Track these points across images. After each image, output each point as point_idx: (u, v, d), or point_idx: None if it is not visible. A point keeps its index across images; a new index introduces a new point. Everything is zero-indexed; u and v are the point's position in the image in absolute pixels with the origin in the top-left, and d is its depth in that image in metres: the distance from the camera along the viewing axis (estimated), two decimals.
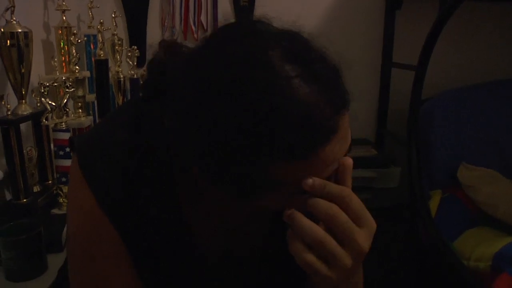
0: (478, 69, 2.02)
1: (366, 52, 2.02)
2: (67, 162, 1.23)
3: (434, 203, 1.62)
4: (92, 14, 1.68)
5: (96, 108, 1.63)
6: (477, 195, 1.53)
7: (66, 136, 1.21)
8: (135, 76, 1.64)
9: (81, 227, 0.62)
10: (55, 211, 1.26)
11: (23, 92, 1.24)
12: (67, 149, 1.22)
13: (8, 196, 1.25)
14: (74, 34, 1.35)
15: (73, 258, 0.64)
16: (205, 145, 0.49)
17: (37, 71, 1.40)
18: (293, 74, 0.47)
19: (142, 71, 1.76)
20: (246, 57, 0.48)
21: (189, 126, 0.51)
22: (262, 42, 0.49)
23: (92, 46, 1.68)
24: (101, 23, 1.50)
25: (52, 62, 1.43)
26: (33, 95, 1.30)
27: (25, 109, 1.22)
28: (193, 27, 1.97)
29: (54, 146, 1.21)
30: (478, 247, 1.35)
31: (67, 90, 1.20)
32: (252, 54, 0.48)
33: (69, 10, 1.50)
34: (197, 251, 0.66)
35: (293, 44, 0.51)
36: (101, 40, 1.47)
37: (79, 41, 1.40)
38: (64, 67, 1.49)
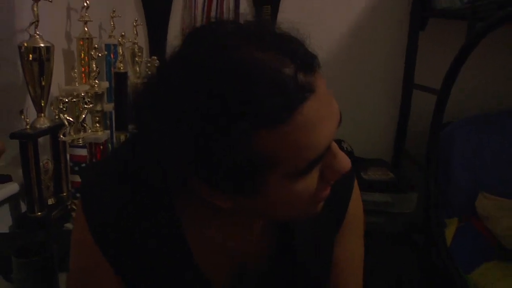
0: (502, 95, 1.97)
1: (387, 71, 1.99)
2: None
3: (450, 232, 1.59)
4: (113, 23, 1.69)
5: (113, 118, 1.64)
6: (495, 227, 1.50)
7: (83, 152, 1.22)
8: None
9: (77, 260, 0.65)
10: (69, 225, 1.26)
11: (43, 105, 1.24)
12: (83, 165, 1.22)
13: (23, 208, 1.26)
14: (95, 48, 1.35)
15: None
16: (184, 140, 0.48)
17: (57, 80, 1.41)
18: (254, 47, 0.48)
19: None
20: (207, 45, 0.49)
21: (165, 128, 0.50)
22: (222, 30, 0.51)
23: (112, 56, 1.69)
24: (122, 36, 1.50)
25: (72, 73, 1.43)
26: (52, 108, 1.30)
27: (44, 123, 1.23)
28: None
29: (71, 161, 1.22)
30: (496, 283, 1.32)
31: (85, 106, 1.19)
32: (214, 40, 0.50)
33: (92, 21, 1.50)
34: (202, 282, 0.65)
35: (258, 29, 0.51)
36: (121, 53, 1.47)
37: (100, 55, 1.39)
38: (84, 78, 1.50)
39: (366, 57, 1.97)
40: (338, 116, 0.53)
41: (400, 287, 1.56)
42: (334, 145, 0.55)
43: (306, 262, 0.68)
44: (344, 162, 0.55)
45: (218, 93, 0.46)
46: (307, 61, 0.49)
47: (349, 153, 1.79)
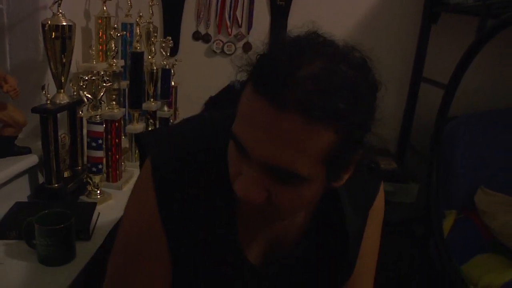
0: (508, 93, 2.00)
1: (397, 63, 2.02)
2: (99, 153, 1.28)
3: (447, 223, 1.64)
4: (130, 3, 1.71)
5: (125, 96, 1.68)
6: (492, 222, 1.55)
7: (100, 128, 1.26)
8: (167, 67, 1.68)
9: (134, 223, 0.69)
10: (83, 198, 1.31)
11: (63, 81, 1.28)
12: (100, 141, 1.27)
13: (41, 180, 1.31)
14: (114, 28, 1.38)
15: (119, 248, 0.69)
16: None
17: (75, 58, 1.45)
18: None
19: (174, 60, 1.79)
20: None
21: None
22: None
23: (128, 35, 1.72)
24: (140, 16, 1.53)
25: (90, 51, 1.47)
26: (71, 84, 1.34)
27: (63, 99, 1.27)
28: (228, 21, 1.99)
29: (88, 137, 1.26)
30: (487, 275, 1.37)
31: (104, 84, 1.24)
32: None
33: (110, 0, 1.53)
34: (241, 258, 0.70)
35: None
36: (139, 32, 1.50)
37: (119, 34, 1.43)
38: (101, 56, 1.53)
39: (376, 48, 1.98)
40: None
41: (398, 275, 1.62)
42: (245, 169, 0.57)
43: (350, 246, 0.72)
44: (237, 188, 0.58)
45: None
46: None
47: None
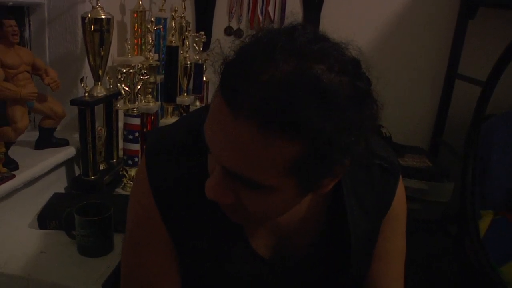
0: None
1: (431, 59, 1.97)
2: (135, 146, 1.29)
3: (484, 224, 1.59)
4: None
5: (159, 90, 1.69)
6: None
7: (136, 121, 1.27)
8: (199, 62, 1.68)
9: (134, 216, 0.69)
10: (119, 190, 1.33)
11: (100, 74, 1.30)
12: (136, 134, 1.27)
13: (77, 172, 1.33)
14: (152, 21, 1.39)
15: (124, 243, 0.71)
16: None
17: (110, 51, 1.46)
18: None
19: (206, 55, 1.79)
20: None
21: None
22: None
23: (161, 30, 1.73)
24: (175, 10, 1.54)
25: (126, 45, 1.48)
26: (107, 77, 1.36)
27: (100, 91, 1.29)
28: (260, 16, 1.97)
29: (125, 130, 1.27)
30: None
31: (141, 77, 1.24)
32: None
33: None
34: (249, 250, 0.69)
35: None
36: (174, 27, 1.51)
37: (156, 28, 1.44)
38: (136, 50, 1.55)
39: (410, 43, 1.95)
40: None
41: (432, 275, 1.59)
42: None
43: (352, 245, 0.70)
44: (205, 187, 0.55)
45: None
46: None
47: (387, 139, 1.80)
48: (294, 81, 0.45)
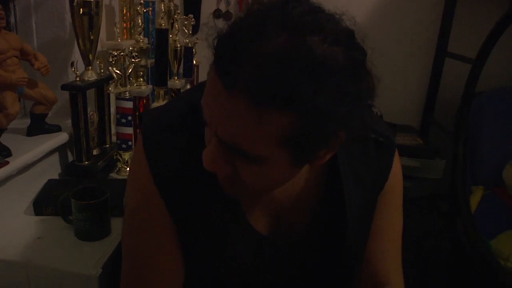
0: None
1: (421, 37, 1.98)
2: (129, 130, 1.28)
3: (475, 199, 1.62)
4: None
5: (149, 74, 1.68)
6: None
7: (129, 104, 1.26)
8: (189, 45, 1.67)
9: (134, 198, 0.69)
10: (113, 175, 1.32)
11: (91, 58, 1.28)
12: (129, 117, 1.27)
13: (70, 158, 1.32)
14: (141, 3, 1.37)
15: (125, 227, 0.71)
16: None
17: (99, 36, 1.44)
18: None
19: (195, 39, 1.78)
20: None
21: None
22: None
23: (150, 13, 1.71)
24: None
25: (115, 29, 1.46)
26: (98, 62, 1.34)
27: (91, 76, 1.27)
28: None
29: (117, 113, 1.27)
30: None
31: (132, 60, 1.23)
32: None
33: None
34: (247, 228, 0.69)
35: None
36: (163, 9, 1.49)
37: (145, 10, 1.42)
38: (125, 34, 1.53)
39: (399, 22, 1.95)
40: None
41: (424, 251, 1.62)
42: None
43: (348, 217, 0.70)
44: (203, 158, 0.56)
45: None
46: None
47: (378, 118, 1.81)
48: (286, 54, 0.45)
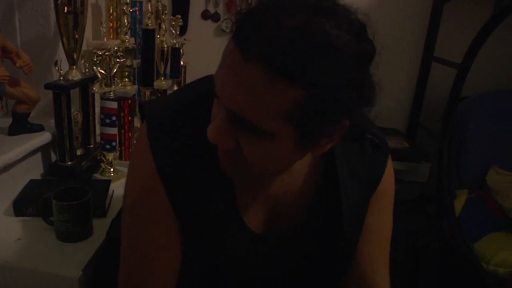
0: None
1: (408, 42, 1.99)
2: (113, 130, 1.27)
3: (459, 202, 1.64)
4: None
5: (136, 74, 1.67)
6: (504, 200, 1.55)
7: (114, 105, 1.25)
8: (176, 46, 1.65)
9: (136, 190, 0.69)
10: (97, 175, 1.31)
11: (75, 58, 1.27)
12: (114, 118, 1.25)
13: (53, 158, 1.30)
14: (127, 3, 1.36)
15: (126, 217, 0.70)
16: None
17: (85, 35, 1.43)
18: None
19: (183, 40, 1.77)
20: None
21: None
22: None
23: (137, 13, 1.69)
24: None
25: (101, 28, 1.45)
26: (83, 61, 1.32)
27: (76, 75, 1.26)
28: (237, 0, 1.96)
29: (102, 113, 1.25)
30: (500, 252, 1.38)
31: (117, 60, 1.22)
32: None
33: None
34: (241, 225, 0.70)
35: None
36: (150, 10, 1.48)
37: (131, 10, 1.41)
38: (112, 33, 1.51)
39: (386, 27, 1.96)
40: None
41: (411, 253, 1.62)
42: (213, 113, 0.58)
43: (344, 213, 0.71)
44: (208, 131, 0.57)
45: None
46: None
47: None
48: (304, 30, 0.48)
